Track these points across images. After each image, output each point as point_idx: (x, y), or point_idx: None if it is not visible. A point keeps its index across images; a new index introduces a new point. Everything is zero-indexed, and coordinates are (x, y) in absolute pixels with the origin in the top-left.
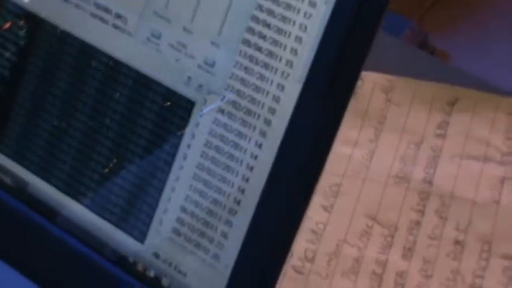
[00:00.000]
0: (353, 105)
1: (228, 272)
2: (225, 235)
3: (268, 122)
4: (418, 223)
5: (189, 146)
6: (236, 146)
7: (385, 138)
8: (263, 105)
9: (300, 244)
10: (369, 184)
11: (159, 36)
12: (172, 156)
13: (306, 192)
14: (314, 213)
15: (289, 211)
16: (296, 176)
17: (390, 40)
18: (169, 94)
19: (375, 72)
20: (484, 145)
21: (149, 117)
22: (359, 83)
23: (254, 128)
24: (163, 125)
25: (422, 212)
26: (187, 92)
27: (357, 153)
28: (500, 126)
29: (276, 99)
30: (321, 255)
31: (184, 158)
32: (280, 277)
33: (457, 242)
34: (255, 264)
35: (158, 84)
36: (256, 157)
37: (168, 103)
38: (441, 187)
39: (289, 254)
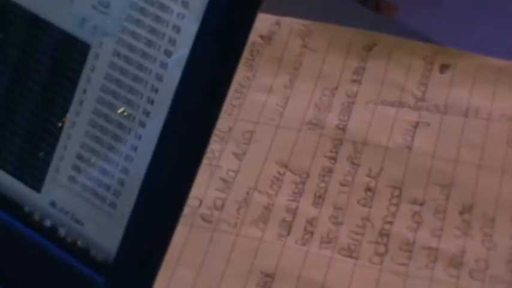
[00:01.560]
0: (268, 51)
1: (125, 220)
2: (121, 182)
3: (164, 66)
4: (330, 170)
5: (85, 91)
6: (132, 90)
7: (300, 84)
8: (159, 47)
9: (210, 193)
10: (282, 131)
11: None
12: (68, 101)
13: (203, 137)
14: (225, 161)
15: (185, 156)
16: (194, 118)
17: None
18: (64, 37)
19: (291, 18)
20: (399, 91)
21: (43, 61)
22: (275, 28)
23: (150, 72)
24: (58, 69)
25: (334, 159)
26: (82, 34)
27: (271, 100)
28: (415, 71)
29: (172, 41)
30: (231, 203)
31: (80, 103)
32: (188, 226)
33: (368, 189)
34: (152, 212)
35: (52, 26)
36: (152, 102)
37: (63, 46)
38: (354, 133)
39: (198, 203)
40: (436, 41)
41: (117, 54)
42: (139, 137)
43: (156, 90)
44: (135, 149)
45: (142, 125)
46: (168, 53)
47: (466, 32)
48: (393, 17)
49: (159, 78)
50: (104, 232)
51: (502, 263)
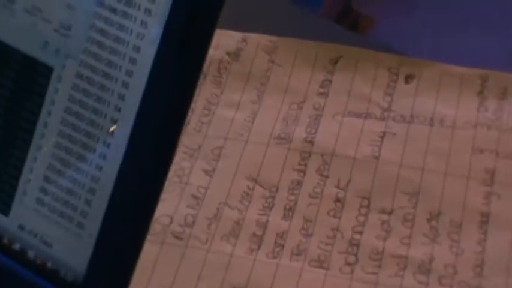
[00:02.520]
0: (236, 67)
1: (93, 240)
2: (88, 203)
3: (126, 85)
4: (299, 183)
5: (49, 113)
6: (96, 111)
7: (267, 99)
8: (120, 68)
9: (181, 210)
10: (250, 146)
11: (12, 1)
12: (33, 124)
13: (168, 151)
14: (195, 178)
15: (151, 173)
16: (157, 136)
17: (275, 1)
18: (26, 60)
19: (258, 34)
20: (365, 102)
21: (6, 85)
22: (242, 45)
23: (112, 92)
24: (21, 93)
25: (303, 172)
26: (45, 57)
27: (240, 116)
28: (381, 82)
29: (133, 61)
30: (202, 219)
31: (45, 125)
32: (159, 244)
33: (337, 200)
34: (119, 231)
35: (14, 50)
36: (116, 121)
37: (26, 70)
38: (322, 146)
39: (169, 221)
40: (401, 51)
41: (80, 76)
42: (104, 157)
43: (119, 110)
44: (100, 168)
45: (107, 145)
46: (129, 73)
47: (429, 42)
48: (369, 32)
49: (122, 97)
50: (73, 253)
51: (469, 268)
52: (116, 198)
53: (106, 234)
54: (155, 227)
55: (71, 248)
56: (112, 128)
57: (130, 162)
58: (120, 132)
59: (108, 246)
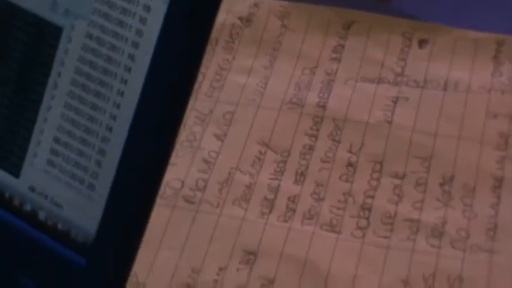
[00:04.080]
0: (248, 33)
1: (103, 201)
2: (99, 164)
3: (136, 45)
4: (311, 147)
5: (59, 74)
6: (106, 71)
7: (280, 64)
8: (130, 27)
9: (192, 174)
10: (262, 111)
11: None
12: (43, 85)
13: (177, 114)
14: (206, 143)
15: (160, 135)
16: (167, 98)
17: None
18: (36, 21)
19: None
20: (378, 67)
21: (16, 46)
22: (254, 10)
23: (123, 52)
24: (32, 53)
25: (315, 137)
26: (54, 18)
27: (252, 81)
28: (394, 47)
29: (143, 20)
30: (213, 184)
31: (55, 86)
32: (170, 208)
33: (349, 164)
34: (130, 192)
35: (24, 11)
36: (126, 81)
37: (35, 31)
38: (335, 111)
39: (180, 185)
40: (414, 16)
41: (90, 36)
42: (114, 118)
43: (129, 70)
44: (110, 129)
45: (117, 105)
46: (139, 33)
47: (443, 6)
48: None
49: (132, 57)
50: (83, 214)
51: (482, 232)
52: (126, 159)
53: (116, 195)
54: (166, 191)
55: (82, 209)
56: (122, 89)
57: (140, 123)
58: (129, 92)
59: (119, 207)
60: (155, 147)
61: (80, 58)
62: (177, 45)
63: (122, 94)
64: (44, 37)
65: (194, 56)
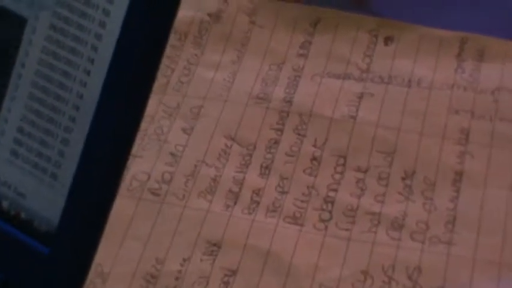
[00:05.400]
0: (216, 29)
1: (66, 191)
2: (62, 153)
3: (99, 37)
4: (276, 141)
5: (23, 65)
6: (69, 62)
7: (247, 60)
8: (93, 19)
9: (158, 167)
10: (229, 106)
11: None
12: (7, 76)
13: (139, 105)
14: (174, 137)
15: (122, 126)
16: (129, 89)
17: None
18: (0, 12)
19: None
20: (344, 63)
21: None
22: (223, 6)
23: (86, 44)
24: None
25: (281, 131)
26: (19, 8)
27: (219, 76)
28: (360, 44)
29: (106, 12)
30: (179, 176)
31: (19, 77)
32: (136, 200)
33: (314, 158)
34: (92, 181)
35: None
36: (89, 72)
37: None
38: (301, 106)
39: (146, 177)
40: (381, 14)
41: (54, 27)
42: (77, 108)
43: (92, 61)
44: (73, 120)
45: (80, 96)
46: (102, 24)
47: (409, 5)
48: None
49: (95, 49)
50: (46, 203)
51: (441, 224)
52: (88, 149)
53: (79, 185)
54: (132, 183)
55: (45, 199)
56: (84, 80)
57: (103, 113)
58: (92, 83)
59: (81, 196)
60: (117, 137)
61: (43, 49)
62: (139, 37)
63: (84, 85)
64: (8, 28)
65: (156, 46)
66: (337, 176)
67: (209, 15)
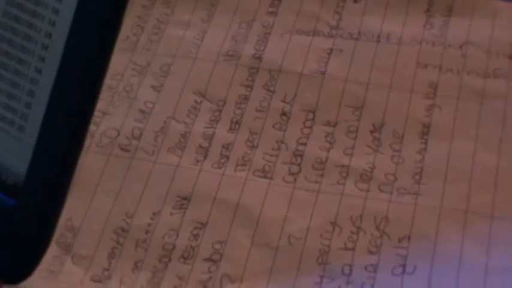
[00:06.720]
0: None
1: (33, 143)
2: (28, 106)
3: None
4: (246, 97)
5: None
6: (34, 13)
7: (217, 18)
8: None
9: (128, 123)
10: (199, 63)
11: None
12: None
13: (103, 59)
14: (143, 94)
15: (87, 78)
16: (92, 44)
17: None
18: None
19: None
20: (314, 20)
21: None
22: None
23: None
24: None
25: (251, 87)
26: None
27: (189, 34)
28: (329, 2)
29: None
30: (148, 132)
31: None
32: (106, 156)
33: (283, 113)
34: (59, 133)
35: None
36: (54, 23)
37: None
38: (270, 62)
39: (116, 134)
40: None
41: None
42: (43, 59)
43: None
44: (39, 71)
45: (45, 47)
46: None
47: None
48: None
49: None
50: (14, 156)
51: (409, 176)
52: (55, 100)
53: (45, 137)
54: (102, 139)
55: (12, 151)
56: (50, 31)
57: (68, 64)
58: (57, 34)
59: (48, 149)
60: (82, 89)
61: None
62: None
63: (49, 36)
64: None
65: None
66: (306, 131)
67: None
